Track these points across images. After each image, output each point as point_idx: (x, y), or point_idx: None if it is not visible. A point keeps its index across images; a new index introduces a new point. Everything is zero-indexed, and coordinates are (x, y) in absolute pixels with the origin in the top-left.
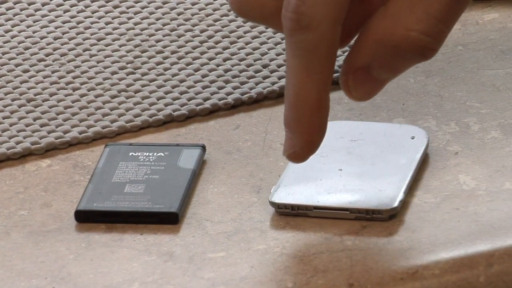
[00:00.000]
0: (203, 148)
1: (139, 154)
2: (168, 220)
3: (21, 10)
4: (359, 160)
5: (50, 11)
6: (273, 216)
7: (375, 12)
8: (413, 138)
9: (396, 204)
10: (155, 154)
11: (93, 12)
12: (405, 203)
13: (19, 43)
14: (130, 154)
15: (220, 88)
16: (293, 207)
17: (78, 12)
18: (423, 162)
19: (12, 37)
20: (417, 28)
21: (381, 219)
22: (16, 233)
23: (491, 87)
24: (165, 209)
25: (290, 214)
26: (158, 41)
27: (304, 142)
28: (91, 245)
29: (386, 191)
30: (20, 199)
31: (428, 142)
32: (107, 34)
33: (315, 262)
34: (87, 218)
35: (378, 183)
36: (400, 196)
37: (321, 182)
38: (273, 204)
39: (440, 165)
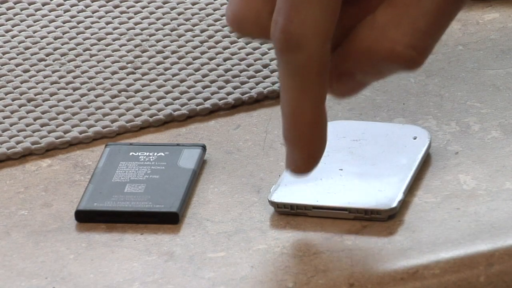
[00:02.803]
0: (204, 148)
1: (139, 154)
2: (168, 220)
3: (22, 10)
4: (360, 160)
5: (50, 11)
6: (273, 216)
7: (363, 21)
8: (415, 138)
9: (395, 204)
10: (155, 154)
11: (93, 12)
12: (405, 203)
13: (19, 43)
14: (131, 154)
15: (221, 88)
16: (292, 206)
17: (78, 12)
18: (424, 162)
19: (13, 36)
20: (403, 42)
21: (380, 219)
22: (17, 233)
23: (492, 87)
24: (166, 209)
25: (289, 214)
26: (158, 40)
27: (304, 156)
28: (91, 245)
29: (385, 191)
30: (21, 199)
31: (430, 143)
32: (108, 33)
33: (316, 261)
34: (88, 218)
35: (378, 183)
36: (400, 196)
37: (321, 181)
38: (272, 203)
39: (440, 165)
